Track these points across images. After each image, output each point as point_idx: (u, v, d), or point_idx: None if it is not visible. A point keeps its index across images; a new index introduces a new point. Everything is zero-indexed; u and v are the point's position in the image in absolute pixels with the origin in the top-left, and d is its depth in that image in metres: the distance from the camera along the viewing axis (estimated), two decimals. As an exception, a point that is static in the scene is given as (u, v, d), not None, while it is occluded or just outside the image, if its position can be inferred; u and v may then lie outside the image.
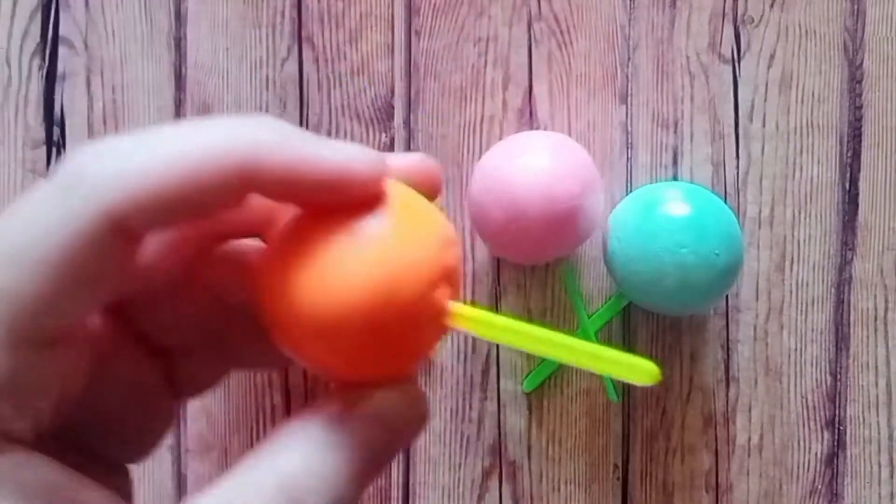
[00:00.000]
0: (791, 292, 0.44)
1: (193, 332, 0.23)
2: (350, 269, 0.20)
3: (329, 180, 0.20)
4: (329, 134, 0.45)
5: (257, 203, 0.20)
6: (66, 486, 0.19)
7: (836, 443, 0.45)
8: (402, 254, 0.20)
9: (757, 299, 0.44)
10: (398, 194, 0.21)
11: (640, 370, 0.22)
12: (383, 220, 0.20)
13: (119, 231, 0.18)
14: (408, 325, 0.20)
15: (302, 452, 0.19)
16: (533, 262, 0.43)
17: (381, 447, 0.20)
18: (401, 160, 0.22)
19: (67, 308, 0.18)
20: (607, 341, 0.45)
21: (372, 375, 0.21)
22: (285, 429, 0.20)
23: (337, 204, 0.20)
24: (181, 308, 0.23)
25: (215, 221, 0.22)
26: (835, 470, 0.45)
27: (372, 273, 0.20)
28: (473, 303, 0.45)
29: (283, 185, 0.19)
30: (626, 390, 0.45)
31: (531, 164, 0.40)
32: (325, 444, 0.19)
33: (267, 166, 0.19)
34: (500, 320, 0.21)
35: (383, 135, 0.45)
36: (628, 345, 0.45)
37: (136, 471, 0.47)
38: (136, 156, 0.18)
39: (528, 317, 0.45)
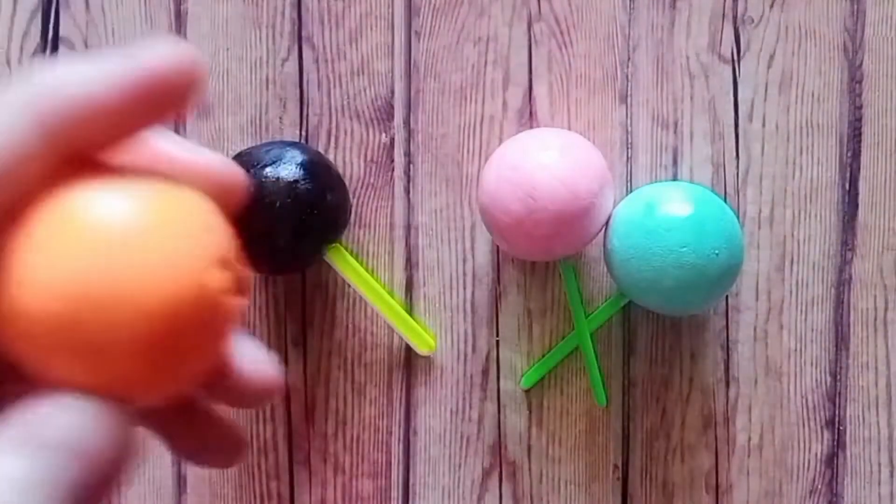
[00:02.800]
0: (791, 292, 0.44)
1: None
2: (83, 260, 0.18)
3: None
4: (329, 134, 0.45)
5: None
6: None
7: (835, 443, 0.45)
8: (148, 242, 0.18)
9: (757, 299, 0.44)
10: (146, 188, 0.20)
11: (421, 339, 0.27)
12: (131, 202, 0.19)
13: (47, 136, 0.18)
14: (180, 327, 0.18)
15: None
16: (541, 258, 0.44)
17: (83, 476, 0.17)
18: (201, 157, 0.21)
19: None
20: (607, 341, 0.45)
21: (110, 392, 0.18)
22: None
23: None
24: None
25: None
26: (835, 470, 0.45)
27: (111, 265, 0.18)
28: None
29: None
30: (625, 391, 0.45)
31: (555, 159, 0.40)
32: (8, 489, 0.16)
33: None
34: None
35: (383, 135, 0.45)
36: (628, 345, 0.45)
37: (136, 470, 0.47)
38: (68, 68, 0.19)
39: (529, 317, 0.45)
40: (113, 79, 0.19)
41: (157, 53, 0.19)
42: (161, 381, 0.19)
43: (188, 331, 0.19)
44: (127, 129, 0.20)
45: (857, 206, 0.44)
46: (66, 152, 0.19)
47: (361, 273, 0.43)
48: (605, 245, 0.42)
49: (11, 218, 0.19)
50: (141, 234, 0.18)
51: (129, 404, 0.19)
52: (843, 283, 0.44)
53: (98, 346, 0.18)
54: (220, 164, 0.21)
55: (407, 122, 0.45)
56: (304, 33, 0.45)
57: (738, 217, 0.43)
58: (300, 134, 0.45)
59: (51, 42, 0.45)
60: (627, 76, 0.44)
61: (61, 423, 0.17)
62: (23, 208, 0.19)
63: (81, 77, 0.19)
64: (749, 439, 0.45)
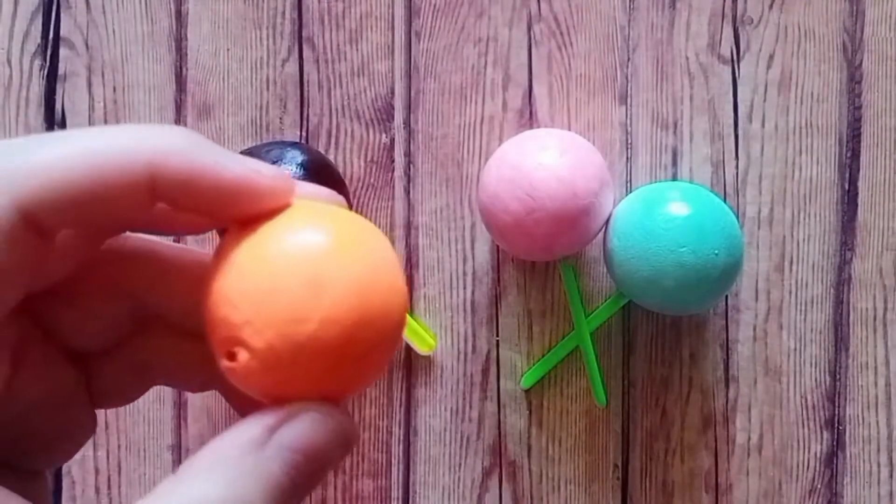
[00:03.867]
0: (790, 292, 0.45)
1: (107, 335, 0.23)
2: (324, 290, 0.19)
3: (232, 189, 0.20)
4: (329, 134, 0.45)
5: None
6: None
7: (835, 442, 0.45)
8: (370, 269, 0.20)
9: (756, 299, 0.45)
10: (327, 209, 0.21)
11: (422, 339, 0.28)
12: (330, 235, 0.20)
13: (30, 225, 0.18)
14: (382, 340, 0.20)
15: (218, 480, 0.18)
16: (541, 257, 0.44)
17: (303, 476, 0.19)
18: (309, 189, 0.22)
19: None
20: (607, 341, 0.45)
21: (328, 397, 0.20)
22: (205, 452, 0.19)
23: (247, 216, 0.20)
24: (93, 306, 0.22)
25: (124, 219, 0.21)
26: (834, 469, 0.45)
27: (349, 292, 0.19)
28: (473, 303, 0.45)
29: (186, 191, 0.19)
30: (625, 391, 0.45)
31: (554, 159, 0.40)
32: (243, 472, 0.19)
33: (171, 170, 0.19)
34: None
35: (383, 135, 0.45)
36: (628, 345, 0.45)
37: (137, 469, 0.47)
38: (43, 152, 0.18)
39: (529, 317, 0.45)
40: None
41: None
42: (372, 379, 0.21)
43: (400, 332, 0.21)
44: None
45: (856, 206, 0.44)
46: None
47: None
48: (604, 245, 0.42)
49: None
50: (356, 254, 0.20)
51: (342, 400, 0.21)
52: (842, 283, 0.44)
53: (343, 363, 0.20)
54: (329, 196, 0.22)
55: (407, 123, 0.45)
56: (304, 34, 0.45)
57: (737, 217, 0.43)
58: (300, 134, 0.45)
59: (52, 42, 0.45)
60: (627, 76, 0.45)
61: (298, 432, 0.19)
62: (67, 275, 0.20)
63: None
64: (748, 439, 0.45)
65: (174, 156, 0.19)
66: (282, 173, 0.20)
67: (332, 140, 0.45)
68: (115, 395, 0.23)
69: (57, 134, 0.19)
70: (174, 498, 0.18)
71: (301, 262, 0.19)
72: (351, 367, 0.20)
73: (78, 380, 0.22)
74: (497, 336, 0.45)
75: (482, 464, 0.45)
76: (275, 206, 0.20)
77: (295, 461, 0.19)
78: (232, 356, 0.19)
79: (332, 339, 0.19)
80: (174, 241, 0.25)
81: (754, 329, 0.45)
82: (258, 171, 0.20)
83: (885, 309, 0.44)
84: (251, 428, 0.19)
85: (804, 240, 0.44)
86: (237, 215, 0.20)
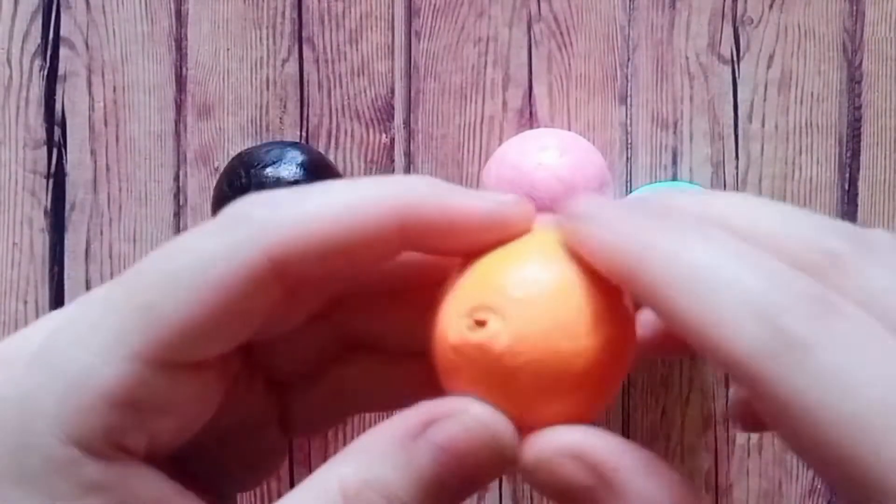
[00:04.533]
0: (790, 292, 0.44)
1: (310, 363, 0.23)
2: (578, 321, 0.19)
3: (482, 224, 0.20)
4: (329, 134, 0.45)
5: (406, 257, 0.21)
6: (164, 496, 0.19)
7: (835, 443, 0.45)
8: (606, 298, 0.19)
9: (756, 299, 0.44)
10: (550, 238, 0.21)
11: None
12: (565, 263, 0.20)
13: (277, 273, 0.18)
14: (622, 367, 0.20)
15: (365, 463, 0.18)
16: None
17: (453, 478, 0.19)
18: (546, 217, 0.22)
19: (216, 338, 0.19)
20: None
21: (539, 415, 0.20)
22: (361, 438, 0.19)
23: (491, 247, 0.20)
24: (301, 337, 0.23)
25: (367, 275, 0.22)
26: (834, 470, 0.45)
27: (600, 325, 0.19)
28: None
29: (439, 234, 0.20)
30: (624, 392, 0.45)
31: (554, 159, 0.40)
32: (389, 461, 0.18)
33: (424, 215, 0.19)
34: None
35: (383, 135, 0.45)
36: (628, 345, 0.45)
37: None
38: (300, 204, 0.19)
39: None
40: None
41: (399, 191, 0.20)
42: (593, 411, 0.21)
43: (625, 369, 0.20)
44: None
45: (856, 205, 0.44)
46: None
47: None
48: (604, 245, 0.42)
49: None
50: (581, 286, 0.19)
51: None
52: (842, 283, 0.44)
53: (608, 386, 0.20)
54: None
55: (407, 123, 0.45)
56: (304, 34, 0.45)
57: (737, 217, 0.43)
58: (300, 134, 0.45)
59: (51, 42, 0.45)
60: (627, 76, 0.45)
61: (452, 432, 0.19)
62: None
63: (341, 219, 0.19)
64: (748, 439, 0.45)
65: (422, 199, 0.19)
66: (523, 200, 0.21)
67: (332, 140, 0.45)
68: (310, 423, 0.24)
69: (311, 188, 0.19)
70: (323, 475, 0.18)
71: (560, 286, 0.19)
72: (584, 395, 0.19)
73: (274, 408, 0.23)
74: (497, 336, 0.45)
75: (482, 464, 0.45)
76: (517, 233, 0.21)
77: (444, 460, 0.19)
78: (481, 323, 0.19)
79: (581, 361, 0.19)
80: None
81: (754, 329, 0.45)
82: (503, 203, 0.20)
83: (886, 309, 0.44)
84: (409, 417, 0.19)
85: (804, 240, 0.44)
86: (481, 247, 0.20)
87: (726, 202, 0.20)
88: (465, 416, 0.19)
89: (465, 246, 0.20)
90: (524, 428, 0.20)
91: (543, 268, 0.20)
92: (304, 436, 0.24)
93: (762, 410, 0.17)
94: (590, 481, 0.19)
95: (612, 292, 0.20)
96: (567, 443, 0.19)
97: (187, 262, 0.18)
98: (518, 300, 0.19)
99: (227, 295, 0.18)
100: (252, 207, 0.19)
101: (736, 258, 0.17)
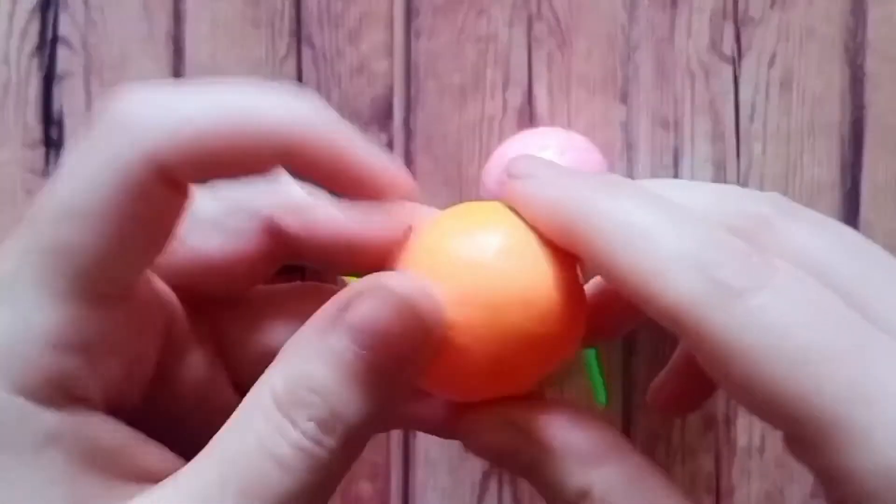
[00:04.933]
0: (792, 293, 0.44)
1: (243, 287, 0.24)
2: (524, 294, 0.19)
3: (362, 180, 0.20)
4: (328, 134, 0.45)
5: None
6: (127, 445, 0.19)
7: (837, 445, 0.44)
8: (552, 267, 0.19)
9: (758, 300, 0.44)
10: (489, 209, 0.21)
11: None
12: (516, 227, 0.20)
13: (164, 178, 0.18)
14: (570, 338, 0.20)
15: (291, 363, 0.18)
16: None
17: (379, 358, 0.18)
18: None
19: (126, 260, 0.19)
20: (608, 342, 0.45)
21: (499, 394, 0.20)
22: (292, 337, 0.19)
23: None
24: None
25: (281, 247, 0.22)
26: (836, 472, 0.44)
27: (553, 291, 0.19)
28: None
29: (317, 172, 0.20)
30: (626, 392, 0.45)
31: (554, 159, 0.40)
32: (312, 354, 0.18)
33: (308, 149, 0.19)
34: None
35: (382, 134, 0.45)
36: (629, 345, 0.45)
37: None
38: (183, 103, 0.18)
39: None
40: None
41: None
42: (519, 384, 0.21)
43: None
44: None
45: (858, 206, 0.44)
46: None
47: (361, 273, 0.43)
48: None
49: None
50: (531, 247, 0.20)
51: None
52: (844, 284, 0.44)
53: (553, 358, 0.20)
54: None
55: (406, 123, 0.45)
56: (303, 33, 0.45)
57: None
58: (299, 134, 0.45)
59: (49, 42, 0.45)
60: (627, 76, 0.44)
61: (364, 311, 0.18)
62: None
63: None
64: (750, 441, 0.44)
65: (313, 135, 0.19)
66: (400, 167, 0.21)
67: (331, 140, 0.45)
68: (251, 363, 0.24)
69: (193, 85, 0.19)
70: (254, 387, 0.18)
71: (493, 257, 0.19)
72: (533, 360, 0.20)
73: (222, 368, 0.23)
74: (497, 337, 0.45)
75: (482, 466, 0.45)
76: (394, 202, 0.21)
77: (363, 341, 0.18)
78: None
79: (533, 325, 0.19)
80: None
81: (756, 330, 0.44)
82: (386, 160, 0.20)
83: (888, 310, 0.44)
84: (328, 306, 0.19)
85: (806, 240, 0.44)
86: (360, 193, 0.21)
87: (663, 182, 0.21)
88: (382, 292, 0.18)
89: (340, 190, 0.20)
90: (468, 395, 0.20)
91: (493, 232, 0.19)
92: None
93: (703, 362, 0.18)
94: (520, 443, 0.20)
95: (562, 260, 0.19)
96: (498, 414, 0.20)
97: (76, 191, 0.18)
98: (468, 264, 0.19)
99: (121, 213, 0.18)
100: (129, 108, 0.18)
101: (672, 218, 0.18)
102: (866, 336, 0.17)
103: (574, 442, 0.20)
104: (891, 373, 0.17)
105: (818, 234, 0.20)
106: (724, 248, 0.18)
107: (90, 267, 0.18)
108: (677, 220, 0.18)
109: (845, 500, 0.17)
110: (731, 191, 0.21)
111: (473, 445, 0.21)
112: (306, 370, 0.18)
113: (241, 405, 0.18)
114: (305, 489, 0.18)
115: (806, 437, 0.17)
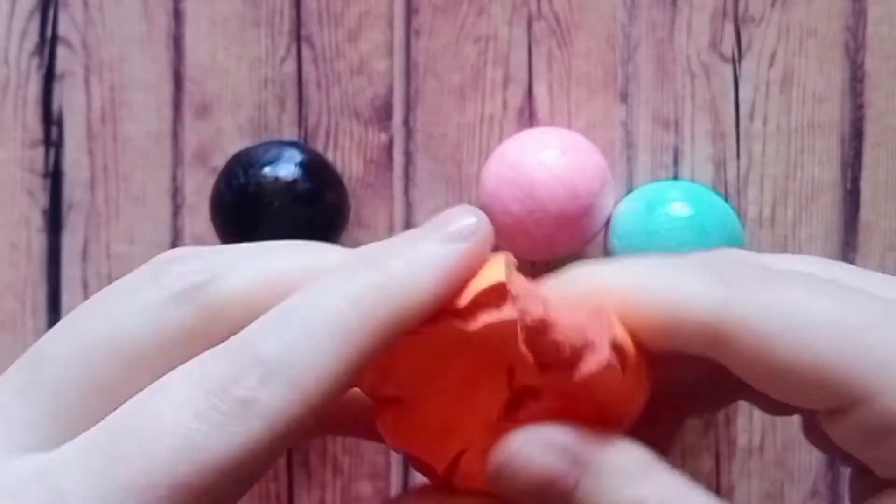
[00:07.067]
0: (792, 293, 0.44)
1: None
2: None
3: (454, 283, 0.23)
4: (328, 133, 0.45)
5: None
6: None
7: (837, 444, 0.44)
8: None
9: (758, 300, 0.44)
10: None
11: None
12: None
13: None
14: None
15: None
16: (541, 257, 0.43)
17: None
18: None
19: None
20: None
21: None
22: None
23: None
24: None
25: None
26: (836, 472, 0.44)
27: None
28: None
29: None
30: (626, 391, 0.45)
31: (554, 159, 0.40)
32: None
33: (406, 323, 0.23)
34: None
35: (382, 134, 0.45)
36: (629, 345, 0.45)
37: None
38: (299, 378, 0.22)
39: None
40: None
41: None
42: None
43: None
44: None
45: (858, 205, 0.44)
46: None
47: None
48: (605, 245, 0.42)
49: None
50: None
51: None
52: (844, 284, 0.44)
53: None
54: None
55: (406, 122, 0.45)
56: (302, 32, 0.45)
57: (739, 217, 0.43)
58: (299, 133, 0.45)
59: (49, 41, 0.45)
60: (628, 75, 0.44)
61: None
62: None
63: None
64: (750, 441, 0.44)
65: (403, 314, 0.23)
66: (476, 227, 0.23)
67: (331, 139, 0.45)
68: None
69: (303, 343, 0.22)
70: None
71: None
72: None
73: None
74: (497, 337, 0.45)
75: (482, 465, 0.45)
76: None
77: None
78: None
79: None
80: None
81: (756, 330, 0.44)
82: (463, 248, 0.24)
83: (888, 310, 0.44)
84: None
85: (806, 240, 0.44)
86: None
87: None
88: None
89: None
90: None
91: None
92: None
93: (738, 364, 0.20)
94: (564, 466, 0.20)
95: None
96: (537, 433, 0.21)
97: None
98: None
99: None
100: (254, 387, 0.20)
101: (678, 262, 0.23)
102: (877, 303, 0.19)
103: (619, 459, 0.20)
104: None
105: (790, 260, 0.22)
106: (728, 259, 0.20)
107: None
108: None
109: None
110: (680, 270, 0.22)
111: (521, 473, 0.21)
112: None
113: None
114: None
115: (853, 402, 0.18)
